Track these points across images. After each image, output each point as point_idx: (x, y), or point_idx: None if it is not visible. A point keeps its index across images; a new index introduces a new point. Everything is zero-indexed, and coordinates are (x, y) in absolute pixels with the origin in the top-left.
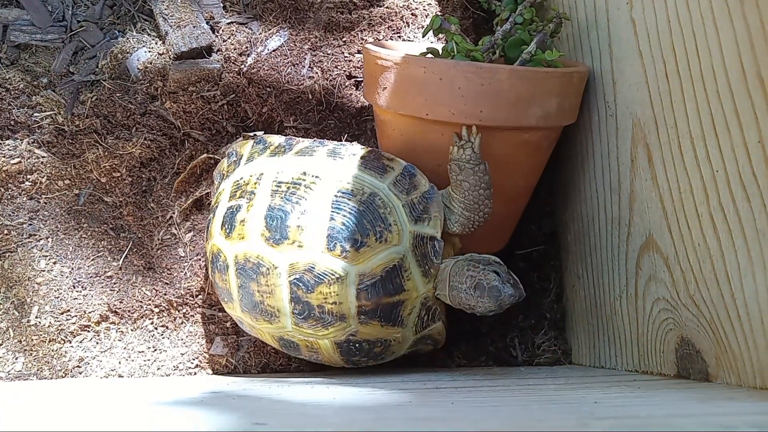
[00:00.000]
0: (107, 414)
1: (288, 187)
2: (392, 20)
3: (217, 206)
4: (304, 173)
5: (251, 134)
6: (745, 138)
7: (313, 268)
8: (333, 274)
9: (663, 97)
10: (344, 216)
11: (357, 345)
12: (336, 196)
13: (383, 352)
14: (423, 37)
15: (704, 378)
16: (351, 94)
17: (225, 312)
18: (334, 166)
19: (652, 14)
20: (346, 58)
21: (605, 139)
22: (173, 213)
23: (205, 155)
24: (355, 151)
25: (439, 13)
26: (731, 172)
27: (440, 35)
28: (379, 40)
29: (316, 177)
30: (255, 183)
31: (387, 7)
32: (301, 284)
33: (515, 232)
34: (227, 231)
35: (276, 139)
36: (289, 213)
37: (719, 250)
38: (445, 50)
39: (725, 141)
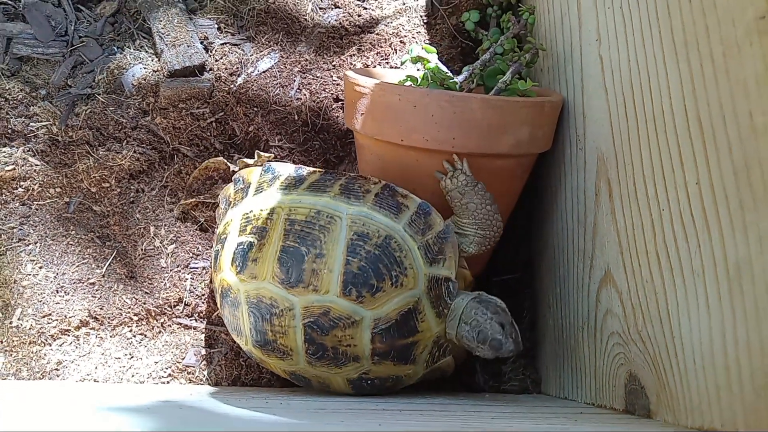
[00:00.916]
0: (46, 414)
1: (301, 228)
2: (381, 46)
3: (225, 237)
4: (318, 213)
5: (220, 159)
6: (686, 179)
7: (329, 312)
8: (348, 319)
9: (622, 134)
10: (360, 261)
11: (369, 382)
12: (351, 239)
13: (393, 386)
14: (401, 65)
15: (646, 414)
16: (337, 116)
17: (200, 324)
18: (348, 206)
19: (616, 52)
20: (334, 82)
21: (575, 172)
22: (173, 209)
23: (221, 159)
24: (368, 187)
25: (426, 41)
26: (674, 212)
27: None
28: (366, 65)
29: (330, 218)
30: (266, 219)
31: (377, 34)
32: (316, 327)
33: (492, 257)
34: (238, 268)
35: (285, 170)
36: (304, 256)
37: (663, 288)
38: (424, 78)
39: (670, 181)
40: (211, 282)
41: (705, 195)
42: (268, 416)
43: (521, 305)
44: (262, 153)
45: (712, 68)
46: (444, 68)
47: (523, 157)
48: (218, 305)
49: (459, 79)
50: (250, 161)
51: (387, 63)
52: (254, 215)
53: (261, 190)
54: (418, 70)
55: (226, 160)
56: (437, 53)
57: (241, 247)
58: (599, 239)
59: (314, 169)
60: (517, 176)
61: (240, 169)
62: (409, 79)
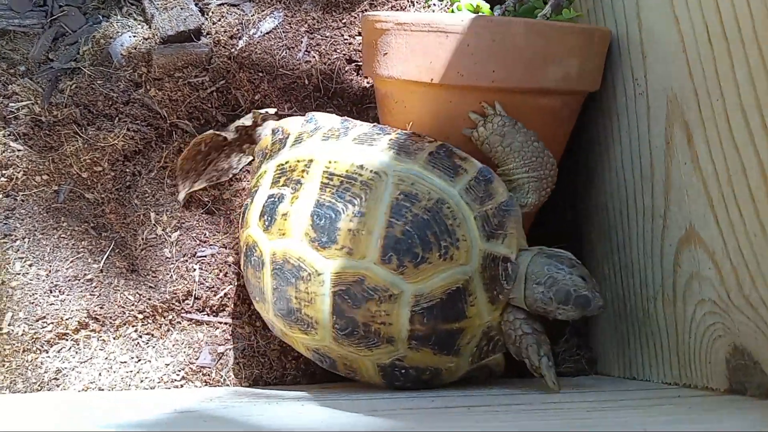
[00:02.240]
0: None
1: (341, 182)
2: (396, 0)
3: (256, 191)
4: (362, 167)
5: (214, 132)
6: None
7: (363, 280)
8: (386, 291)
9: (705, 66)
10: (405, 224)
11: (403, 371)
12: (397, 198)
13: (431, 379)
14: (425, 6)
15: (766, 394)
16: (351, 80)
17: (214, 319)
18: (397, 163)
19: None
20: (345, 41)
21: (634, 121)
22: (177, 193)
23: (211, 132)
24: (421, 145)
25: None
26: None
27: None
28: None
29: (376, 174)
30: (303, 170)
31: None
32: (347, 297)
33: (534, 226)
34: (266, 223)
35: (329, 121)
36: (340, 213)
37: None
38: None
39: None
40: (237, 244)
41: None
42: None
43: None
44: (259, 111)
45: None
46: (483, 2)
47: (569, 96)
48: (241, 267)
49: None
50: (246, 122)
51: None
52: (290, 166)
53: (300, 141)
54: (447, 8)
55: (216, 131)
56: None
57: (272, 200)
58: (675, 193)
59: (362, 122)
60: (564, 119)
61: (239, 135)
62: None
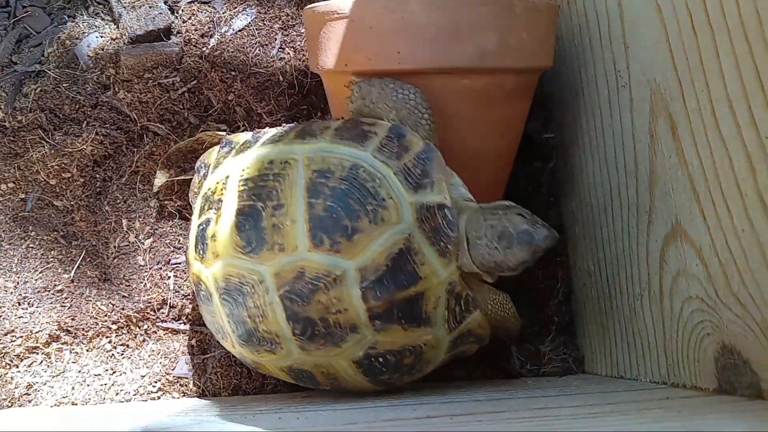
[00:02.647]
0: None
1: (255, 183)
2: None
3: (190, 227)
4: (271, 162)
5: (217, 132)
6: None
7: (303, 273)
8: (328, 276)
9: (690, 56)
10: (325, 200)
11: (381, 360)
12: (311, 178)
13: (416, 362)
14: None
15: (756, 394)
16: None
17: (190, 327)
18: (304, 147)
19: None
20: None
21: (617, 115)
22: (147, 198)
23: (223, 134)
24: (328, 125)
25: None
26: None
27: None
28: None
29: (286, 162)
30: (221, 189)
31: None
32: (294, 296)
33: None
34: (201, 253)
35: (242, 137)
36: (260, 212)
37: None
38: None
39: None
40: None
41: None
42: None
43: (554, 276)
44: (211, 133)
45: None
46: None
47: (497, 74)
48: (200, 311)
49: None
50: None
51: None
52: (210, 191)
53: (218, 164)
54: None
55: (227, 136)
56: None
57: (201, 228)
58: (660, 188)
59: (275, 129)
60: (498, 101)
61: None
62: None
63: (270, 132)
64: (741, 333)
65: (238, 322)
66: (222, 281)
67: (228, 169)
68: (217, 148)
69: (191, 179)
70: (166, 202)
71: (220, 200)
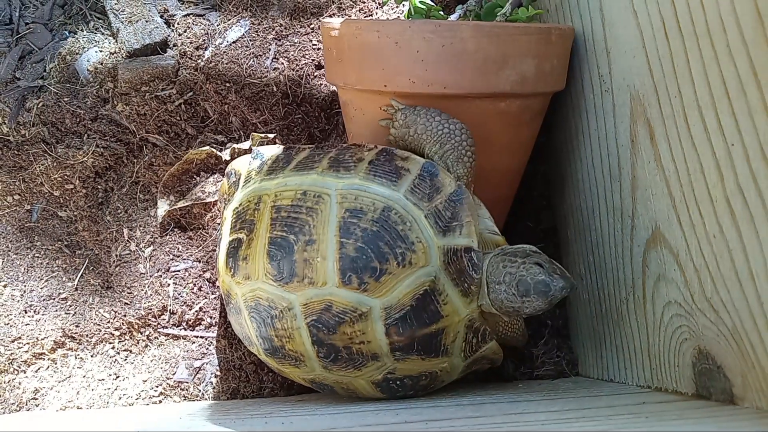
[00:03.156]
0: None
1: (288, 213)
2: (363, 2)
3: (220, 239)
4: (305, 193)
5: (202, 149)
6: (765, 99)
7: (331, 306)
8: (354, 312)
9: (663, 62)
10: (356, 241)
11: (398, 383)
12: (343, 217)
13: (430, 383)
14: (381, 6)
15: (728, 400)
16: (320, 84)
17: (190, 333)
18: (337, 180)
19: None
20: (314, 47)
21: (602, 119)
22: (155, 209)
23: (208, 148)
24: (361, 156)
25: None
26: (750, 144)
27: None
28: None
29: (319, 197)
30: (254, 210)
31: None
32: (321, 325)
33: (510, 227)
34: (232, 270)
35: (273, 152)
36: (293, 245)
37: (739, 243)
38: (408, 15)
39: (741, 107)
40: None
41: None
42: None
43: None
44: (257, 134)
45: None
46: (433, 4)
47: (530, 98)
48: (227, 313)
49: (452, 17)
50: (243, 146)
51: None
52: (242, 208)
53: (249, 179)
54: (403, 6)
55: (213, 149)
56: None
57: (232, 246)
58: (641, 193)
59: (305, 146)
60: (525, 122)
61: (232, 159)
62: None
63: (302, 153)
64: (715, 338)
65: (265, 339)
66: (252, 301)
67: (260, 190)
68: (247, 157)
69: (191, 204)
70: (169, 227)
71: (252, 222)
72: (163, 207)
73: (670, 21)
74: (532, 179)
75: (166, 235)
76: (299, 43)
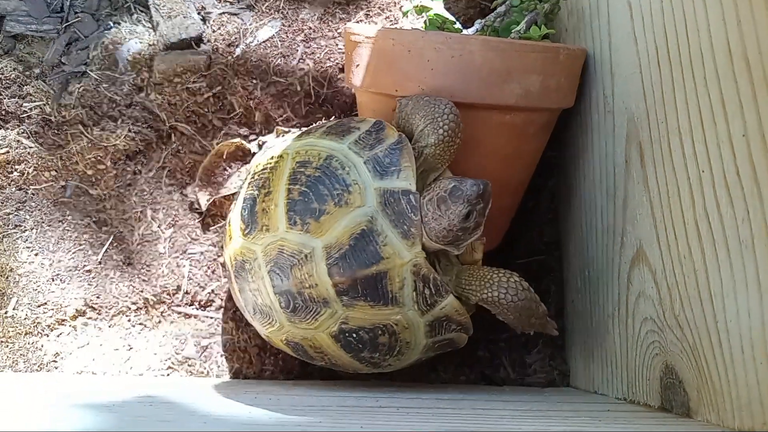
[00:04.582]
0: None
1: (259, 176)
2: (390, 10)
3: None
4: (272, 157)
5: (232, 141)
6: (730, 131)
7: (283, 249)
8: (300, 253)
9: (655, 88)
10: (300, 186)
11: (355, 336)
12: (293, 168)
13: (394, 343)
14: (403, 16)
15: (685, 413)
16: (343, 87)
17: (201, 313)
18: (297, 142)
19: None
20: (340, 50)
21: (603, 139)
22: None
23: (238, 140)
24: (325, 123)
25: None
26: (717, 172)
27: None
28: None
29: (280, 156)
30: (241, 186)
31: None
32: (277, 271)
33: (516, 238)
34: (227, 240)
35: (271, 140)
36: (255, 198)
37: (703, 264)
38: (425, 26)
39: (711, 135)
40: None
41: (754, 149)
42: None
43: (547, 290)
44: (282, 128)
45: None
46: (450, 17)
47: (534, 112)
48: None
49: (469, 31)
50: (269, 138)
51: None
52: (240, 185)
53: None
54: (423, 18)
55: (242, 141)
56: (451, 10)
57: (229, 218)
58: (630, 213)
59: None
60: (530, 135)
61: (259, 148)
62: None
63: (291, 133)
64: (679, 354)
65: (246, 298)
66: (233, 260)
67: (248, 170)
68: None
69: (231, 194)
70: (210, 218)
71: (238, 194)
72: (203, 198)
73: (663, 49)
74: (539, 192)
75: (185, 217)
76: (326, 46)
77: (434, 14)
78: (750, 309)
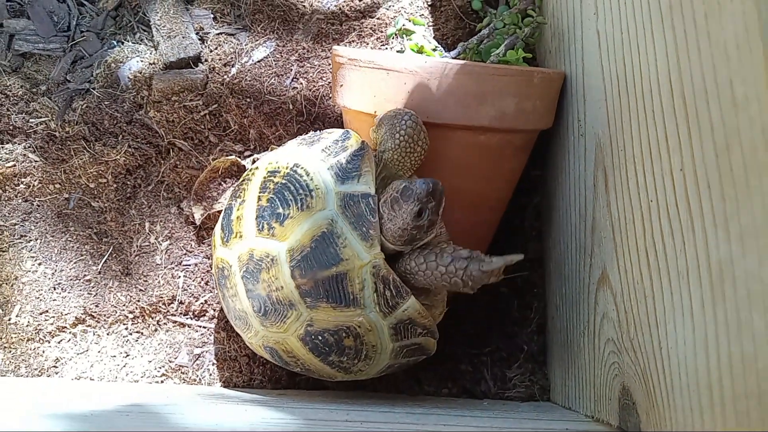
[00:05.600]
0: None
1: (238, 187)
2: (381, 31)
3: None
4: (250, 170)
5: (227, 158)
6: (671, 164)
7: (252, 254)
8: (267, 256)
9: (617, 117)
10: (268, 194)
11: (321, 338)
12: (264, 177)
13: (359, 346)
14: (387, 39)
15: None
16: (333, 106)
17: (195, 322)
18: (272, 155)
19: (611, 25)
20: (331, 69)
21: (577, 161)
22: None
23: (233, 157)
24: (298, 138)
25: (430, 24)
26: (662, 203)
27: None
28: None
29: (256, 168)
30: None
31: (378, 18)
32: (248, 275)
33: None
34: (213, 250)
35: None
36: (233, 208)
37: (651, 290)
38: (411, 50)
39: (657, 168)
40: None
41: (689, 183)
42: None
43: (529, 306)
44: (274, 146)
45: (694, 32)
46: (432, 42)
47: (510, 134)
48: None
49: (451, 54)
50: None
51: (385, 48)
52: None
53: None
54: (408, 41)
55: (237, 158)
56: (440, 31)
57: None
58: (597, 235)
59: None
60: (507, 156)
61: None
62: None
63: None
64: (633, 376)
65: (228, 306)
66: (217, 269)
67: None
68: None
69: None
70: (205, 231)
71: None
72: (198, 212)
73: (622, 80)
74: (524, 210)
75: (181, 230)
76: (319, 65)
77: (413, 44)
78: (686, 338)
